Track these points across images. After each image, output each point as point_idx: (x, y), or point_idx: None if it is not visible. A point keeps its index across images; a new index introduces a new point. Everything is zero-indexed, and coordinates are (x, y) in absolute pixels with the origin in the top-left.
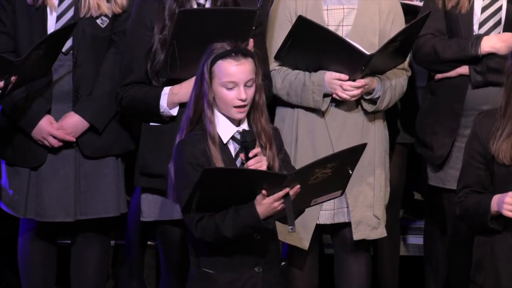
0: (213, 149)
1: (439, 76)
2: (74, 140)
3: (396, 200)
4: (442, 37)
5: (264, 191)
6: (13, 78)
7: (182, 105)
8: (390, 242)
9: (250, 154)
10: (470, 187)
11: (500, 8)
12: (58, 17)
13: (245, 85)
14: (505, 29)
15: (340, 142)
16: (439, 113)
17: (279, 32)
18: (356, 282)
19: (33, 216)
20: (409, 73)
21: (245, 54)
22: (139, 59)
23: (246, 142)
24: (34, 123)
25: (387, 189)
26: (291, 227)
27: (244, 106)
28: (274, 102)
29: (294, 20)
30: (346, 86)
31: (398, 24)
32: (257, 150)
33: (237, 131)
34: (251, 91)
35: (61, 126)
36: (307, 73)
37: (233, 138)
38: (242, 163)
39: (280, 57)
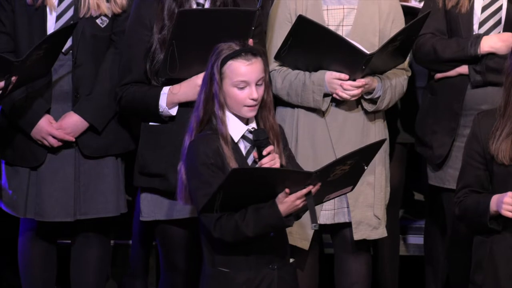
0: (226, 149)
1: (438, 75)
2: (74, 140)
3: (396, 199)
4: (442, 36)
5: (287, 189)
6: (13, 78)
7: (181, 105)
8: (390, 242)
9: (264, 152)
10: (469, 187)
11: (500, 8)
12: (58, 17)
13: (256, 84)
14: (505, 29)
15: (340, 142)
16: (438, 112)
17: (279, 32)
18: (356, 282)
19: (33, 216)
20: (409, 73)
21: (255, 53)
22: (138, 58)
23: (259, 140)
24: (34, 123)
25: (387, 189)
26: (314, 224)
27: (255, 105)
28: (274, 102)
29: (294, 20)
30: (346, 86)
31: (398, 24)
32: (270, 148)
33: (248, 130)
34: (261, 89)
35: (61, 126)
36: (307, 73)
37: (243, 136)
38: (255, 161)
39: (280, 57)
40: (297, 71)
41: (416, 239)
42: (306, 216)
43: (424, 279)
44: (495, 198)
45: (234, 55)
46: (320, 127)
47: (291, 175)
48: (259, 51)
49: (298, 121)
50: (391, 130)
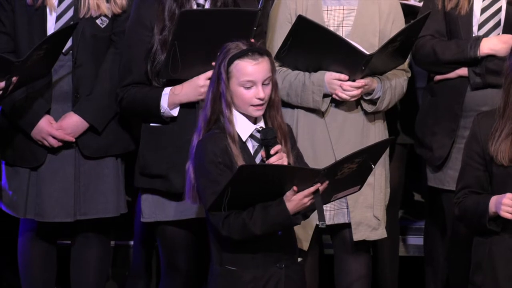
0: (234, 148)
1: (438, 77)
2: (74, 140)
3: (396, 200)
4: (442, 38)
5: (295, 187)
6: (14, 79)
7: (182, 106)
8: (390, 242)
9: (272, 151)
10: (468, 188)
11: (499, 9)
12: (58, 17)
13: (262, 84)
14: (505, 31)
15: (340, 142)
16: (438, 114)
17: (279, 32)
18: (356, 283)
19: (33, 216)
20: (409, 74)
21: (261, 52)
22: (138, 59)
23: (267, 139)
24: (34, 123)
25: (387, 190)
26: (321, 222)
27: (262, 104)
28: None
29: (294, 20)
30: (346, 86)
31: (398, 24)
32: (278, 147)
33: (256, 129)
34: (268, 89)
35: (61, 126)
36: (307, 73)
37: (251, 136)
38: (262, 161)
39: (280, 57)
40: (297, 72)
41: (416, 240)
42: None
43: (424, 279)
44: (494, 199)
45: (240, 55)
46: (319, 128)
47: (298, 173)
48: (266, 51)
49: (297, 121)
50: (391, 131)
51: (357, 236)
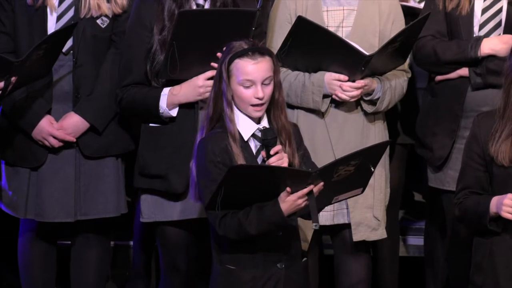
0: (234, 147)
1: (439, 77)
2: (74, 140)
3: (396, 201)
4: (443, 38)
5: (288, 188)
6: (13, 79)
7: (181, 106)
8: (390, 243)
9: (272, 152)
10: (469, 188)
11: (500, 10)
12: (58, 18)
13: (262, 83)
14: (506, 31)
15: (340, 143)
16: (439, 114)
17: (279, 33)
18: (356, 283)
19: (33, 216)
20: (409, 75)
21: (262, 52)
22: (138, 59)
23: (267, 140)
24: (35, 123)
25: (387, 190)
26: (315, 224)
27: (261, 104)
28: None
29: (294, 21)
30: (346, 87)
31: (398, 25)
32: (278, 147)
33: (258, 128)
34: (268, 89)
35: (61, 126)
36: (306, 74)
37: (254, 135)
38: (264, 161)
39: (279, 57)
40: (296, 72)
41: (416, 240)
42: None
43: (424, 280)
44: (495, 200)
45: (241, 54)
46: (319, 128)
47: (289, 173)
48: (268, 51)
49: (297, 122)
50: (391, 131)
51: (357, 236)
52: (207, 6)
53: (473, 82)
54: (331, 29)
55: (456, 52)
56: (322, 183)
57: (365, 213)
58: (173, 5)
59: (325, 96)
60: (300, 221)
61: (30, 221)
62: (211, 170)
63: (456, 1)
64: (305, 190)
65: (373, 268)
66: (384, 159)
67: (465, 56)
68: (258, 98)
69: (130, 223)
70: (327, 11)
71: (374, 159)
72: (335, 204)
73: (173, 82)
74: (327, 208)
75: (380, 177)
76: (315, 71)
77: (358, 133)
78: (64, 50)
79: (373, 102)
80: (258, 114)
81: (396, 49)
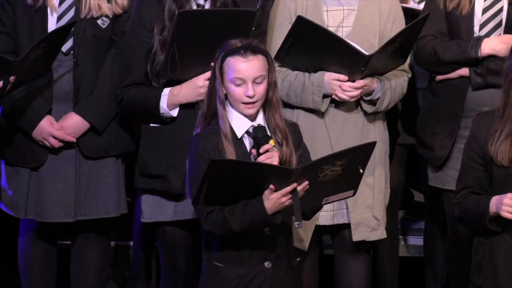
0: (226, 144)
1: (439, 77)
2: (75, 140)
3: (396, 201)
4: (443, 38)
5: (271, 186)
6: (11, 78)
7: (182, 106)
8: (390, 243)
9: (261, 150)
10: (469, 188)
11: (501, 10)
12: (59, 18)
13: (254, 82)
14: (506, 31)
15: (340, 143)
16: (439, 114)
17: (278, 32)
18: (356, 283)
19: (33, 216)
20: (409, 75)
21: (255, 51)
22: (139, 60)
23: (257, 137)
24: (35, 124)
25: (387, 190)
26: (297, 222)
27: (253, 102)
28: None
29: (293, 20)
30: (346, 87)
31: (398, 25)
32: (268, 146)
33: (252, 126)
34: (260, 88)
35: (62, 126)
36: (306, 74)
37: (248, 133)
38: (255, 159)
39: (279, 57)
40: (296, 72)
41: (416, 240)
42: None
43: (424, 280)
44: (494, 200)
45: (232, 52)
46: (319, 128)
47: (271, 170)
48: (261, 50)
49: (297, 121)
50: (391, 131)
51: (357, 236)
52: (207, 6)
53: (473, 82)
54: (331, 29)
55: (456, 52)
56: (306, 182)
57: (365, 213)
58: (174, 5)
59: (325, 96)
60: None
61: (30, 221)
62: (200, 165)
63: (457, 1)
64: (288, 188)
65: (373, 268)
66: (384, 159)
67: (465, 56)
68: (248, 96)
69: (130, 223)
70: (327, 11)
71: (362, 161)
72: (335, 204)
73: (173, 82)
74: (327, 208)
75: (380, 177)
76: (315, 71)
77: (358, 133)
78: (64, 50)
79: (373, 102)
80: (249, 112)
81: (396, 49)
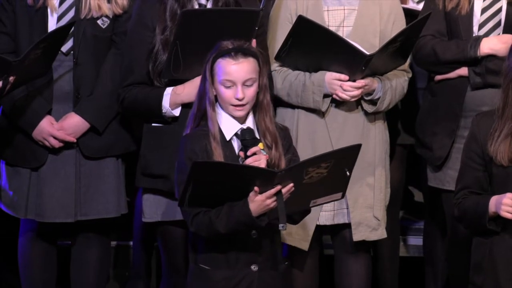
0: (214, 146)
1: (438, 77)
2: (75, 140)
3: (396, 201)
4: (442, 38)
5: (256, 188)
6: (11, 78)
7: (184, 106)
8: (390, 243)
9: (249, 153)
10: (468, 188)
11: (500, 10)
12: (59, 18)
13: (244, 85)
14: (505, 31)
15: (340, 143)
16: (438, 114)
17: (279, 32)
18: (356, 283)
19: (34, 216)
20: (410, 75)
21: (246, 53)
22: (140, 59)
23: (245, 140)
24: (35, 124)
25: (387, 190)
26: (282, 225)
27: (242, 105)
28: (274, 102)
29: (294, 20)
30: (346, 87)
31: (399, 25)
32: (255, 148)
33: (240, 128)
34: (250, 90)
35: (62, 126)
36: (307, 73)
37: (237, 135)
38: (243, 161)
39: (280, 57)
40: (297, 72)
41: (416, 240)
42: (306, 216)
43: (424, 280)
44: (494, 199)
45: (223, 54)
46: (320, 128)
47: (255, 172)
48: (252, 53)
49: (298, 121)
50: (391, 131)
51: (357, 236)
52: (209, 5)
53: (472, 82)
54: (332, 28)
55: (455, 52)
56: (291, 184)
57: (365, 213)
58: (175, 4)
59: (325, 95)
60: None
61: (31, 221)
62: (188, 167)
63: (456, 1)
64: (273, 191)
65: (373, 268)
66: (385, 159)
67: (464, 55)
68: (238, 99)
69: (130, 223)
70: (327, 10)
71: (348, 163)
72: (336, 204)
73: (175, 81)
74: (328, 208)
75: (380, 177)
76: (316, 71)
77: (358, 133)
78: (64, 50)
79: (373, 102)
80: (239, 114)
81: (396, 49)
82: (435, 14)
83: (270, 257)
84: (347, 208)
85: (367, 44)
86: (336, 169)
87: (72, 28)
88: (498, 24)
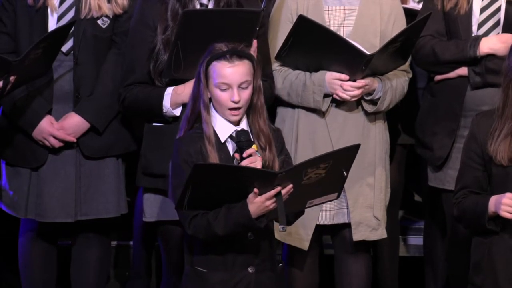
0: (209, 148)
1: (438, 77)
2: (75, 140)
3: (396, 200)
4: (441, 38)
5: (255, 189)
6: (11, 78)
7: (185, 106)
8: (390, 242)
9: (244, 154)
10: (468, 188)
11: (499, 9)
12: (59, 18)
13: (239, 87)
14: (504, 30)
15: (340, 142)
16: (438, 114)
17: (280, 32)
18: (356, 283)
19: (34, 216)
20: (410, 75)
21: (241, 56)
22: (141, 59)
23: (240, 142)
24: (35, 124)
25: (387, 190)
26: (282, 226)
27: (238, 108)
28: (275, 102)
29: (295, 20)
30: (347, 86)
31: (399, 25)
32: (251, 150)
33: (235, 130)
34: (245, 93)
35: (62, 126)
36: (307, 73)
37: (231, 137)
38: (238, 163)
39: (280, 57)
40: (297, 71)
41: (416, 240)
42: (306, 216)
43: (424, 280)
44: (493, 199)
45: (218, 56)
46: (320, 128)
47: (256, 174)
48: (247, 55)
49: (298, 121)
50: (391, 131)
51: (357, 236)
52: (210, 5)
53: (472, 82)
54: (332, 28)
55: (455, 52)
56: (291, 186)
57: (365, 213)
58: (177, 4)
59: (326, 95)
60: (300, 220)
61: (31, 221)
62: (184, 170)
63: (455, 1)
64: (273, 192)
65: (373, 268)
66: (385, 159)
67: (464, 55)
68: (234, 102)
69: (130, 223)
70: (328, 10)
71: (345, 163)
72: (336, 203)
73: (176, 81)
74: (328, 207)
75: (380, 177)
76: (316, 71)
77: (358, 133)
78: (64, 50)
79: (374, 102)
80: (235, 118)
81: (397, 49)
82: (434, 14)
83: (266, 258)
84: (347, 208)
85: (368, 44)
86: (334, 170)
87: (72, 28)
88: (497, 23)
